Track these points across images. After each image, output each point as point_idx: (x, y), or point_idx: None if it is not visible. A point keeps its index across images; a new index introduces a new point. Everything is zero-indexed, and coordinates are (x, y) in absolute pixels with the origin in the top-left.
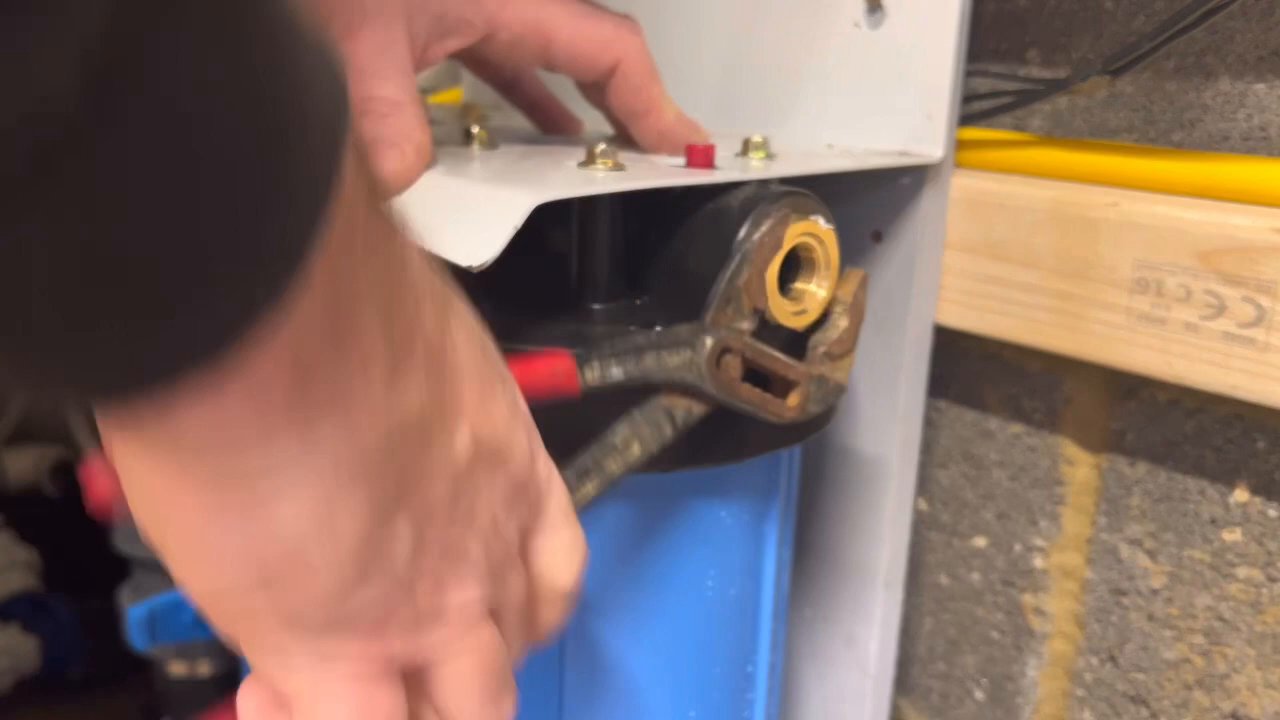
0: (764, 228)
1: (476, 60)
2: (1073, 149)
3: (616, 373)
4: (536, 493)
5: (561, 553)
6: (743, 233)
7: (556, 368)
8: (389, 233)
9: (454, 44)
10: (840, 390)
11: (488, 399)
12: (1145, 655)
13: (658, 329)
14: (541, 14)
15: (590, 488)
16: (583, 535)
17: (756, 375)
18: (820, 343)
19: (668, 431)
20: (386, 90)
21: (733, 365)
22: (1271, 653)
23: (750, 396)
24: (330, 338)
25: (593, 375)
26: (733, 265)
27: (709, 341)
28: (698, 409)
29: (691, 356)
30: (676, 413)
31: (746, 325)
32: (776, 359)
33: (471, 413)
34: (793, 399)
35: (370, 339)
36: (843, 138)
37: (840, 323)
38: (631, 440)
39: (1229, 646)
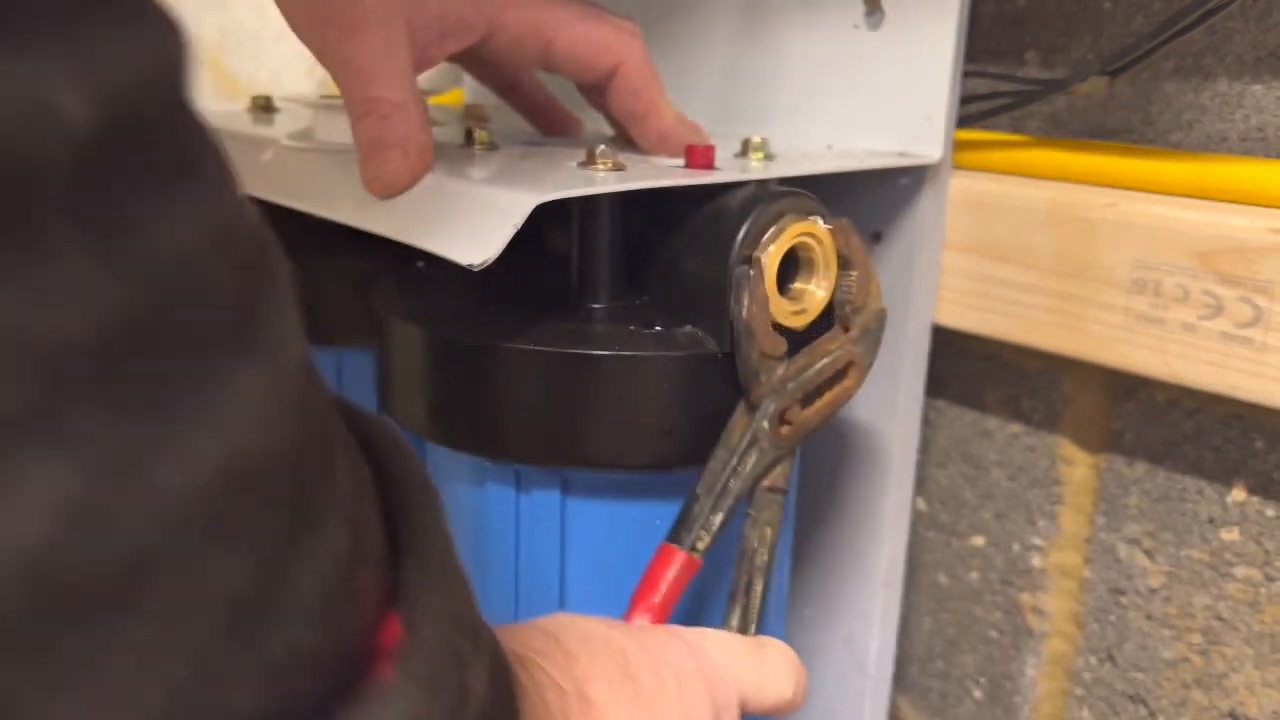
0: (745, 298)
1: (476, 62)
2: (1071, 150)
3: (717, 520)
4: (727, 699)
5: (772, 693)
6: (731, 301)
7: (676, 567)
8: None
9: (454, 45)
10: (883, 316)
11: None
12: (1144, 654)
13: (660, 329)
14: (541, 16)
15: (758, 588)
16: (775, 660)
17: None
18: (844, 302)
19: (781, 498)
20: (388, 92)
21: (793, 412)
22: (1269, 652)
23: (822, 413)
24: None
25: (702, 542)
26: (741, 346)
27: (765, 425)
28: (791, 461)
29: (761, 448)
30: (779, 482)
31: (782, 371)
32: (823, 367)
33: None
34: (852, 376)
35: None
36: (842, 138)
37: (851, 274)
38: (763, 529)
39: (1227, 646)
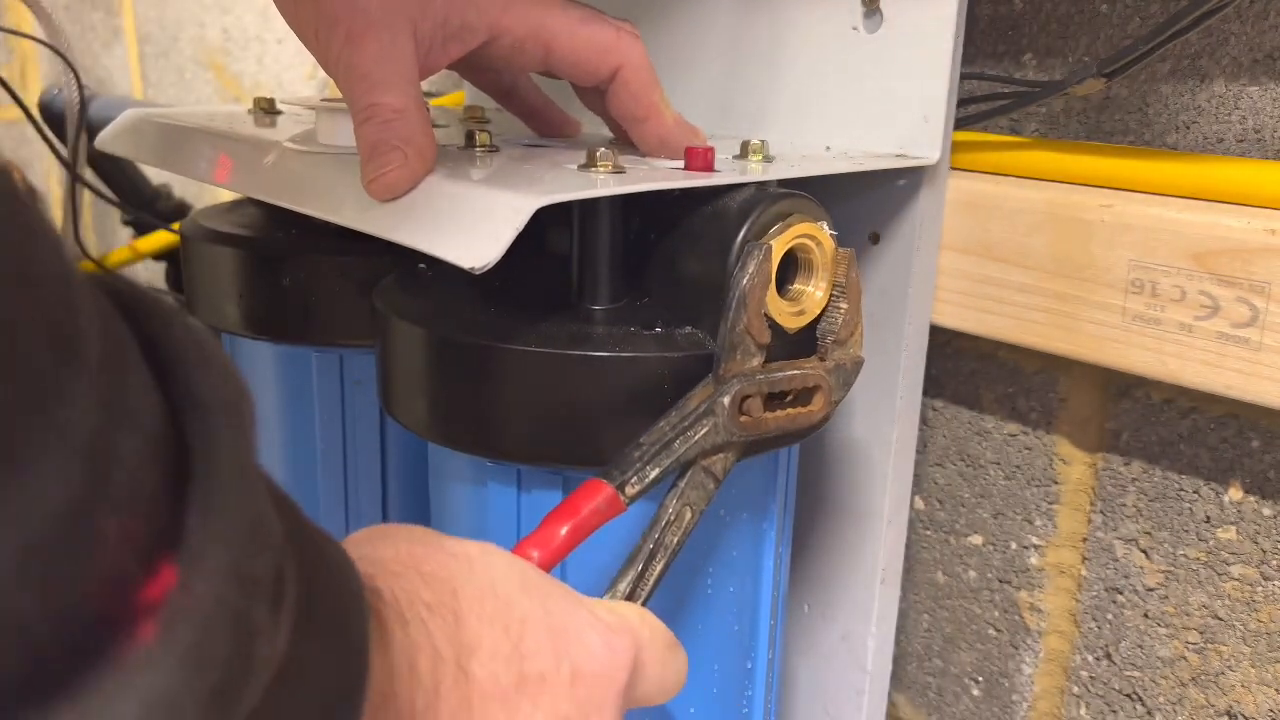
0: (750, 268)
1: (475, 68)
2: (1068, 151)
3: (651, 474)
4: (624, 698)
5: (668, 693)
6: (735, 270)
7: (599, 500)
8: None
9: (457, 49)
10: (859, 364)
11: (536, 699)
12: (1141, 653)
13: (660, 329)
14: (543, 19)
15: (659, 566)
16: (682, 662)
17: (778, 394)
18: (828, 332)
19: (711, 487)
20: (390, 97)
21: (754, 405)
22: (1266, 650)
23: (780, 424)
24: None
25: (633, 489)
26: (730, 313)
27: (726, 401)
28: (734, 456)
29: (715, 423)
30: (715, 469)
31: (757, 362)
32: (793, 376)
33: None
34: (818, 401)
35: None
36: (840, 140)
37: (841, 306)
38: (683, 510)
39: (1224, 644)
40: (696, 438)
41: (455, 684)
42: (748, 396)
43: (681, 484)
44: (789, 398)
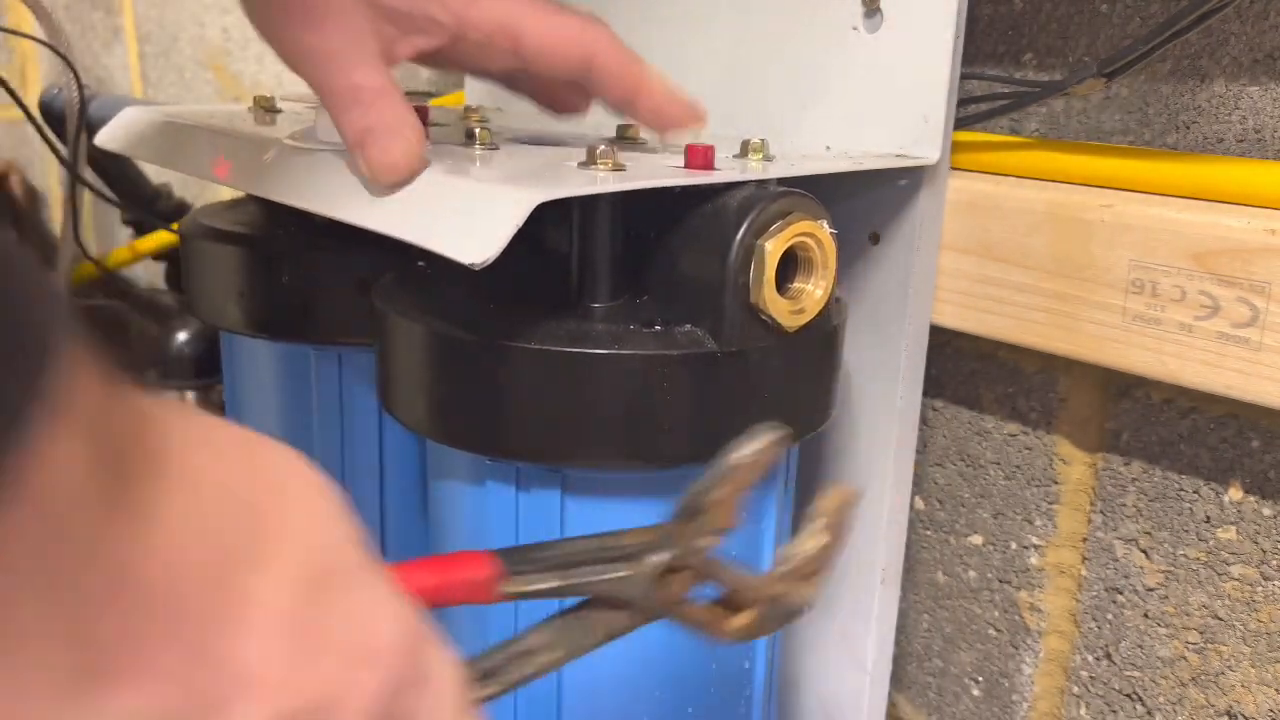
0: (745, 449)
1: (452, 64)
2: (1068, 151)
3: (546, 584)
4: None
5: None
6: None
7: (473, 576)
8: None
9: (422, 43)
10: (802, 612)
11: (310, 657)
12: (1141, 653)
13: (660, 327)
14: (509, 11)
15: (490, 691)
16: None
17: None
18: (791, 557)
19: (589, 643)
20: (363, 77)
21: (680, 582)
22: (1266, 650)
23: (691, 616)
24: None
25: (515, 587)
26: (709, 480)
27: (654, 559)
28: (633, 621)
29: (632, 573)
30: (617, 625)
31: (708, 543)
32: (732, 577)
33: (272, 684)
34: (741, 619)
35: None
36: (840, 140)
37: (820, 539)
38: (549, 646)
39: (1224, 644)
40: (603, 576)
41: (217, 588)
42: (681, 569)
43: (560, 620)
44: (717, 597)
